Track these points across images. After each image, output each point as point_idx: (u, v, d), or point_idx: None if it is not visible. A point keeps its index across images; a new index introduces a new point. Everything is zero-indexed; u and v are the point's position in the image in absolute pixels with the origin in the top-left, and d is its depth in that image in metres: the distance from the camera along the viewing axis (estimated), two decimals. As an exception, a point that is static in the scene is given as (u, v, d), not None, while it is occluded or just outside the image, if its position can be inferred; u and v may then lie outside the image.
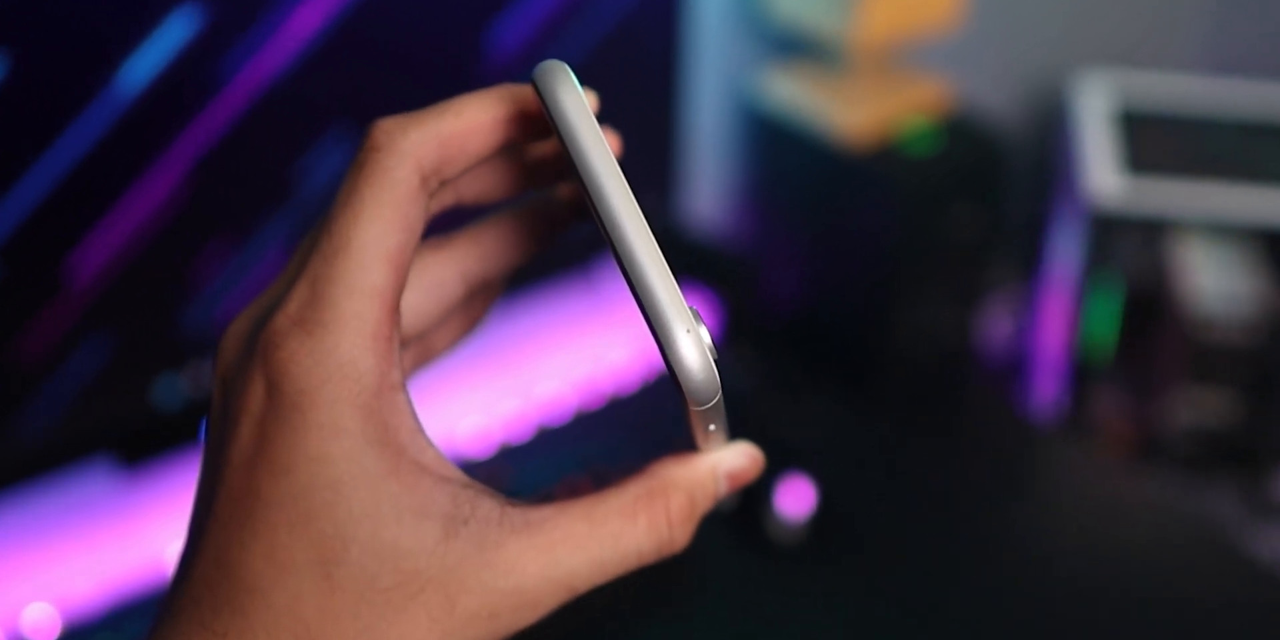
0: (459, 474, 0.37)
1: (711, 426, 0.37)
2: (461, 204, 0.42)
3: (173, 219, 0.75)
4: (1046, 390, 1.19)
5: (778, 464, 0.92)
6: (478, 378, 0.96)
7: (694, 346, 0.33)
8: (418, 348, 0.43)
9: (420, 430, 0.37)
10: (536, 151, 0.42)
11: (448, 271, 0.42)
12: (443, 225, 0.43)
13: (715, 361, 0.34)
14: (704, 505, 0.39)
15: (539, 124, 0.39)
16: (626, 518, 0.37)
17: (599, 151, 0.35)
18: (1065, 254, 1.15)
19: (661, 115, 0.94)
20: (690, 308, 0.34)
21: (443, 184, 0.39)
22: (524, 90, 0.39)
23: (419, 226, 0.38)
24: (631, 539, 0.37)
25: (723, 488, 0.40)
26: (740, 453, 0.41)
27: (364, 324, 0.36)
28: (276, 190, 0.78)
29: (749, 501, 0.91)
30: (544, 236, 0.44)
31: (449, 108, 0.38)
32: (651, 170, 0.97)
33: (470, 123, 0.38)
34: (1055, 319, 1.18)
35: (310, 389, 0.35)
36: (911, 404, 1.07)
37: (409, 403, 0.37)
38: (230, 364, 0.37)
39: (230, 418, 0.36)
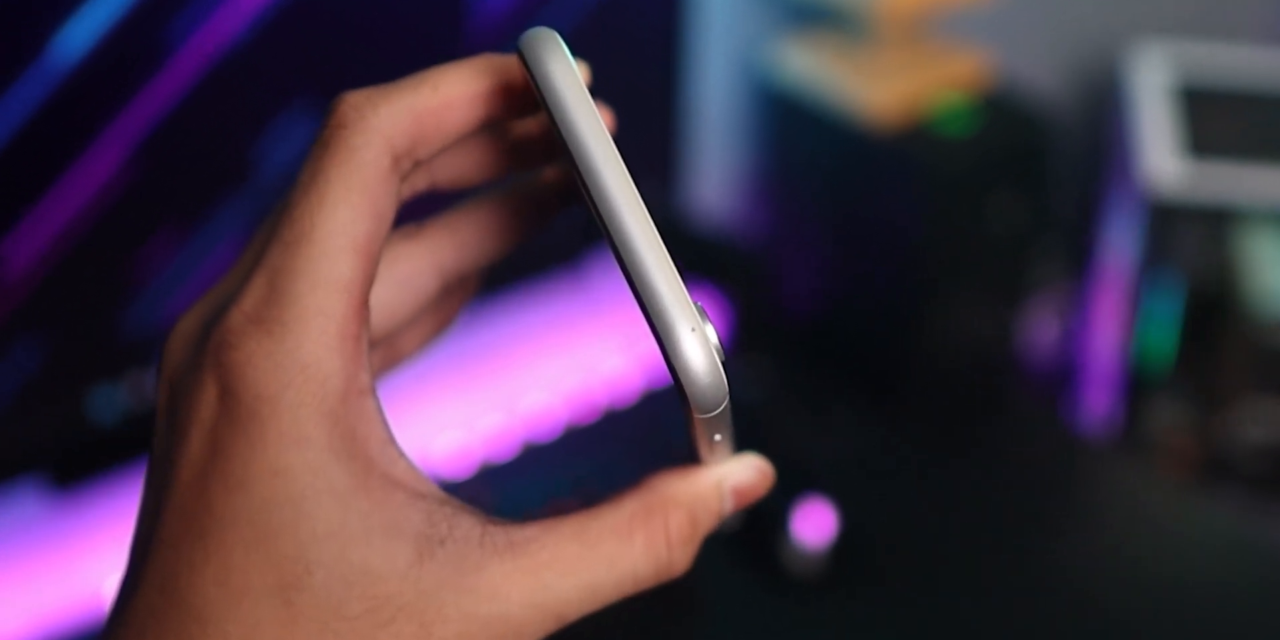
0: (435, 489, 0.37)
1: (717, 437, 0.37)
2: (437, 188, 0.42)
3: (112, 206, 0.75)
4: (1098, 402, 1.20)
5: (794, 486, 0.92)
6: (456, 388, 0.96)
7: (699, 347, 0.34)
8: (383, 350, 0.44)
9: (392, 440, 0.37)
10: (521, 129, 0.42)
11: (420, 264, 0.42)
12: (415, 212, 0.43)
13: (723, 364, 0.34)
14: (707, 524, 0.40)
15: (525, 99, 0.39)
16: (622, 537, 0.38)
17: (592, 128, 0.35)
18: (1119, 248, 1.16)
19: (663, 91, 0.94)
20: (695, 304, 0.34)
21: (416, 165, 0.39)
22: (508, 61, 0.39)
23: (390, 212, 0.38)
24: (627, 561, 0.38)
25: (728, 505, 0.40)
26: (748, 466, 0.41)
27: (329, 321, 0.36)
28: (230, 174, 0.79)
29: (762, 528, 0.92)
30: (529, 225, 0.44)
31: (424, 80, 0.38)
32: (651, 154, 0.97)
33: (447, 97, 0.38)
34: (1108, 322, 1.18)
35: (269, 394, 0.35)
36: (945, 418, 1.07)
37: (379, 410, 0.37)
38: (177, 367, 0.37)
39: (178, 428, 0.36)
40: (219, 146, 0.78)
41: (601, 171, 0.35)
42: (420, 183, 0.42)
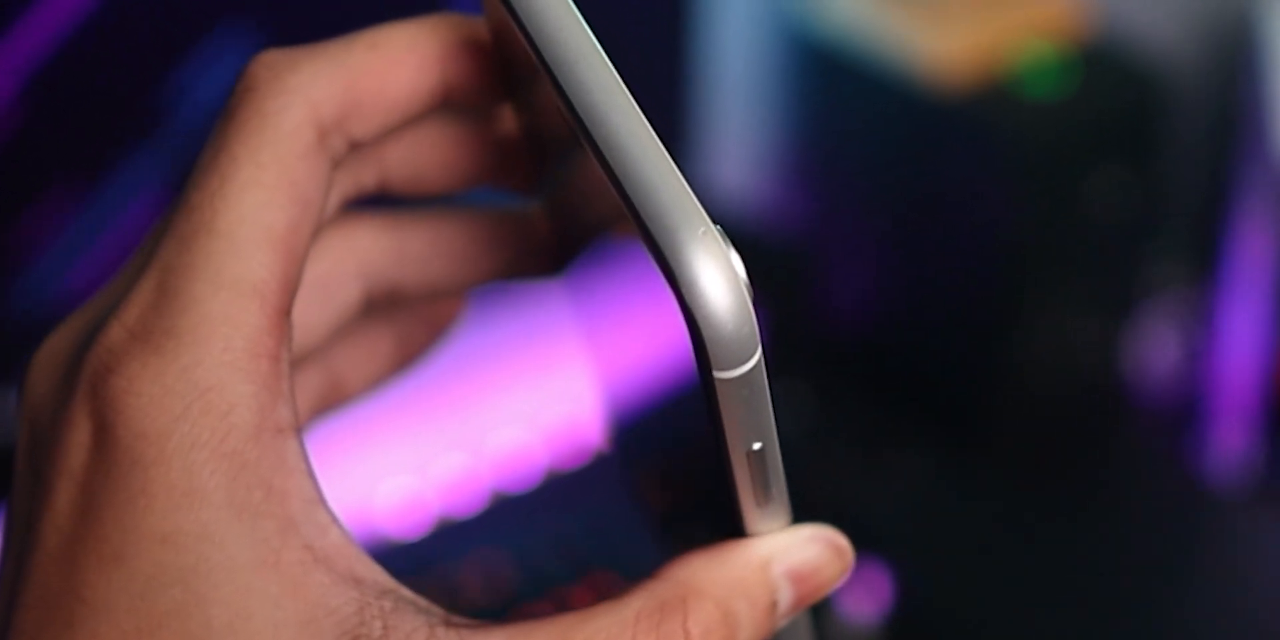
0: (375, 571, 0.36)
1: (757, 445, 0.34)
2: (390, 188, 0.42)
3: None
4: (1231, 439, 1.20)
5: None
6: (406, 421, 0.97)
7: (711, 255, 0.31)
8: (320, 383, 0.43)
9: (319, 499, 0.36)
10: (502, 125, 0.42)
11: (339, 263, 0.42)
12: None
13: (751, 300, 0.32)
14: (752, 627, 0.37)
15: (496, 66, 0.39)
16: None
17: (569, 26, 0.34)
18: (1256, 243, 1.16)
19: (671, 45, 0.95)
20: (715, 225, 0.32)
21: (354, 148, 0.38)
22: (470, 20, 0.39)
23: (316, 199, 0.37)
24: None
25: (785, 596, 0.38)
26: (811, 539, 0.38)
27: (235, 333, 0.35)
28: (139, 117, 0.79)
29: None
30: (505, 259, 0.43)
31: (360, 36, 0.38)
32: (658, 124, 0.97)
33: (391, 57, 0.38)
34: (1243, 337, 1.19)
35: (154, 431, 0.34)
36: (1035, 461, 1.08)
37: (304, 456, 0.36)
38: (42, 400, 0.37)
39: (42, 478, 0.36)
40: (124, 82, 0.78)
41: (573, 59, 0.34)
42: (367, 178, 0.41)
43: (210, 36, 0.78)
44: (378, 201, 0.43)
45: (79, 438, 0.35)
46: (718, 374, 0.32)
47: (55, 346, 0.38)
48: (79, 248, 0.79)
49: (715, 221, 0.32)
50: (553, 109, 0.35)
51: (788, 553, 0.37)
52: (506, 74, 0.39)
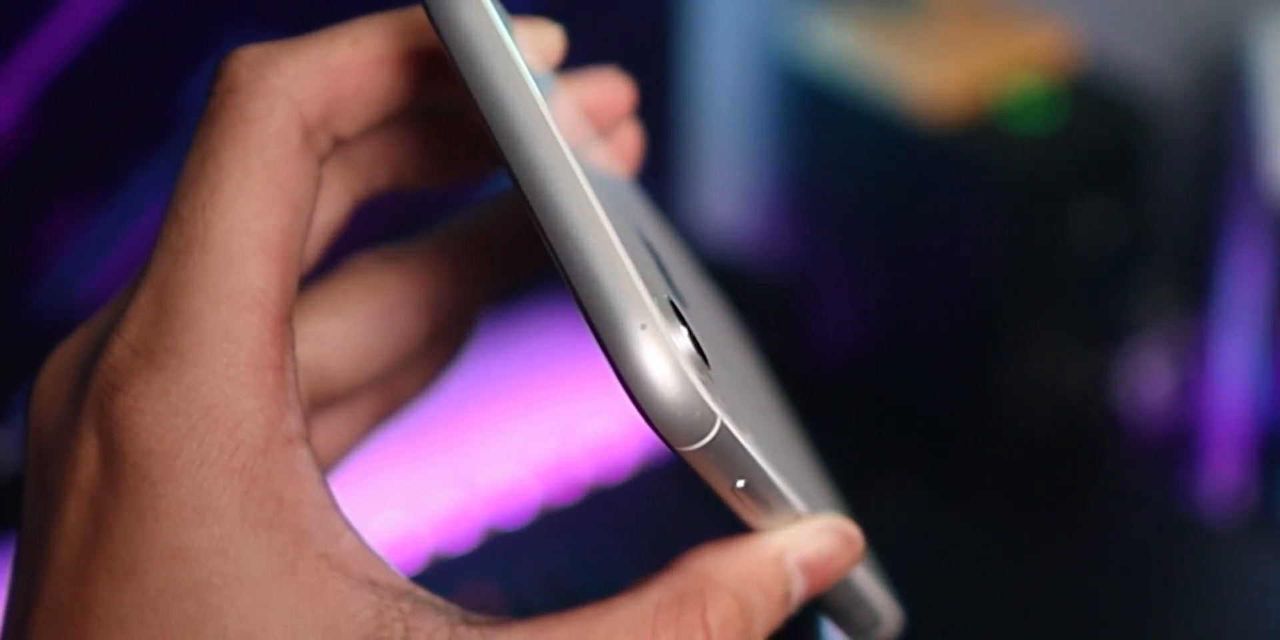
0: (392, 574, 0.37)
1: (740, 483, 0.35)
2: (375, 189, 0.42)
3: (6, 170, 0.76)
4: (1223, 471, 1.20)
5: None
6: (398, 456, 0.96)
7: (655, 348, 0.32)
8: (379, 395, 0.44)
9: (332, 506, 0.36)
10: None
11: (404, 296, 0.42)
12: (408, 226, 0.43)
13: (702, 377, 0.33)
14: (767, 615, 0.38)
15: None
16: (642, 638, 0.36)
17: (496, 56, 0.34)
18: (1246, 273, 1.17)
19: (659, 77, 0.95)
20: (657, 294, 0.33)
21: (337, 145, 0.38)
22: None
23: (307, 202, 0.37)
24: None
25: (798, 586, 0.38)
26: (821, 529, 0.39)
27: (237, 348, 0.35)
28: (154, 125, 0.79)
29: (791, 633, 0.92)
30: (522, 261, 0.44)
31: (341, 31, 0.38)
32: (645, 158, 0.97)
33: (373, 52, 0.38)
34: (1234, 368, 1.19)
35: (162, 449, 0.34)
36: (1025, 494, 1.08)
37: (314, 465, 0.36)
38: (48, 416, 0.37)
39: (52, 495, 0.36)
40: (141, 89, 0.78)
41: (503, 101, 0.34)
42: (380, 176, 0.42)
43: (227, 43, 0.79)
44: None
45: (87, 455, 0.35)
46: (678, 449, 0.33)
47: (61, 361, 0.38)
48: (96, 254, 0.79)
49: (667, 287, 0.33)
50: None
51: (799, 544, 0.38)
52: None
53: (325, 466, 0.41)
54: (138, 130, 0.79)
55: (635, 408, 0.33)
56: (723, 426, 0.33)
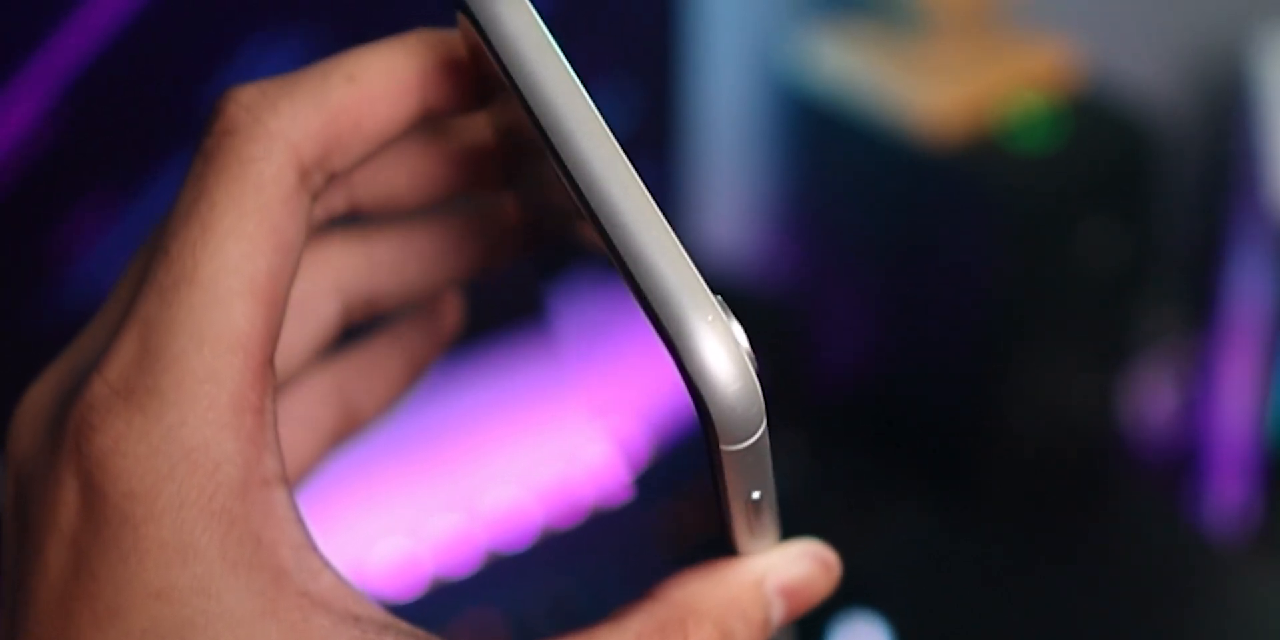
0: (372, 609, 0.37)
1: (755, 494, 0.35)
2: (359, 210, 0.42)
3: (30, 169, 0.75)
4: (1228, 492, 1.20)
5: (835, 602, 0.92)
6: (398, 481, 0.96)
7: (720, 341, 0.32)
8: (334, 411, 0.44)
9: (310, 546, 0.37)
10: (471, 132, 0.42)
11: (313, 282, 0.42)
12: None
13: (756, 375, 0.33)
14: None
15: (473, 82, 0.39)
16: None
17: (549, 63, 0.35)
18: (1250, 291, 1.17)
19: (660, 96, 0.95)
20: (715, 295, 0.33)
21: (330, 179, 0.38)
22: (446, 35, 0.39)
23: (297, 243, 0.37)
24: None
25: (776, 611, 0.38)
26: (799, 555, 0.39)
27: (219, 390, 0.35)
28: (178, 123, 0.79)
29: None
30: (476, 256, 0.44)
31: (336, 67, 0.38)
32: (647, 176, 0.98)
33: (369, 89, 0.38)
34: (1239, 387, 1.19)
35: (142, 490, 0.35)
36: (1031, 514, 1.08)
37: (292, 505, 0.37)
38: (26, 455, 0.37)
39: (32, 536, 0.36)
40: (163, 90, 0.78)
41: (562, 111, 0.34)
42: (336, 203, 0.41)
43: (249, 43, 0.78)
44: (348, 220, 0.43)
45: (67, 496, 0.35)
46: (724, 447, 0.33)
47: (38, 398, 0.38)
48: (118, 256, 0.79)
49: (715, 291, 0.33)
50: (529, 127, 0.35)
51: (778, 570, 0.38)
52: (482, 85, 0.39)
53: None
54: (158, 132, 0.79)
55: (693, 401, 0.33)
56: (766, 428, 0.33)
